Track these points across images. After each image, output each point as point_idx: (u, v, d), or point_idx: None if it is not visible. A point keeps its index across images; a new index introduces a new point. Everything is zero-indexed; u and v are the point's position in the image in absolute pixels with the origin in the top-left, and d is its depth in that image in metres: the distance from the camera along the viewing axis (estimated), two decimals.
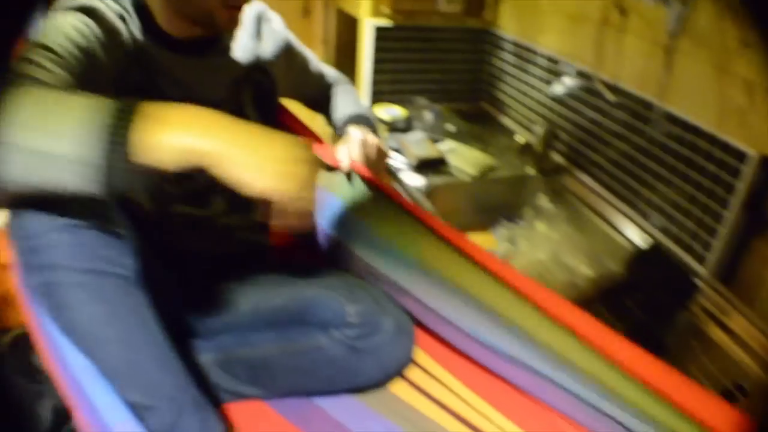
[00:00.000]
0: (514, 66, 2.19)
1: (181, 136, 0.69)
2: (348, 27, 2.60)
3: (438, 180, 1.82)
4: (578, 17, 1.76)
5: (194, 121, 0.71)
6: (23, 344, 1.77)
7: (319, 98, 1.46)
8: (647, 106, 1.55)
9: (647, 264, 1.52)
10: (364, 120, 1.35)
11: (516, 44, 2.16)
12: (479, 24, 2.30)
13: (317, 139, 1.35)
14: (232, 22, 1.05)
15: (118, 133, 0.67)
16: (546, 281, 1.54)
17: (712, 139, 1.37)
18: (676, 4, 1.31)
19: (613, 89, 1.63)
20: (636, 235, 1.58)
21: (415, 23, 2.23)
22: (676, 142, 1.47)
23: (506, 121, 2.28)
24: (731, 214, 1.34)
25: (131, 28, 1.00)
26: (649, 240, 1.54)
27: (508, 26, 2.21)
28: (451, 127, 2.17)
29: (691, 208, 1.44)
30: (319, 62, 1.43)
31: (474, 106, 2.45)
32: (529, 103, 2.13)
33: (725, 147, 1.34)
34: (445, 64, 2.36)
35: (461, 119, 2.28)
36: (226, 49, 1.16)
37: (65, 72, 0.81)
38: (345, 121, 1.34)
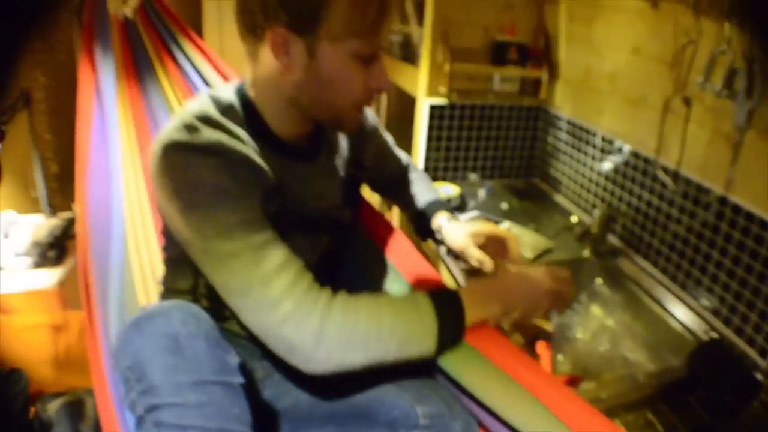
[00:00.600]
0: (568, 144, 2.17)
1: (486, 313, 0.95)
2: (400, 101, 2.63)
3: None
4: (639, 102, 1.74)
5: (491, 299, 0.96)
6: (72, 411, 1.77)
7: (394, 184, 1.44)
8: (707, 192, 1.49)
9: (709, 358, 1.43)
10: (446, 206, 1.35)
11: (571, 123, 2.14)
12: (534, 102, 2.30)
13: (392, 229, 1.33)
14: (358, 122, 1.04)
15: (456, 331, 0.92)
16: (604, 374, 1.47)
17: None
18: (743, 97, 1.27)
19: (674, 176, 1.58)
20: (696, 325, 1.50)
21: (470, 102, 2.24)
22: (741, 232, 1.40)
23: (559, 199, 2.24)
24: None
25: (246, 139, 0.94)
26: (710, 331, 1.46)
27: (564, 106, 2.20)
28: (504, 205, 2.15)
29: (755, 300, 1.37)
30: (395, 146, 1.41)
31: (527, 183, 2.42)
32: (583, 182, 2.09)
33: None
34: (498, 140, 2.35)
35: (514, 196, 2.25)
36: (330, 150, 1.12)
37: (262, 232, 0.85)
38: (430, 208, 1.35)
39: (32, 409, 1.72)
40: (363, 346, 0.84)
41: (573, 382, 1.43)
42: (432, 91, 2.19)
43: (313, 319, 0.82)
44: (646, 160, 1.71)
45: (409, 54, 2.48)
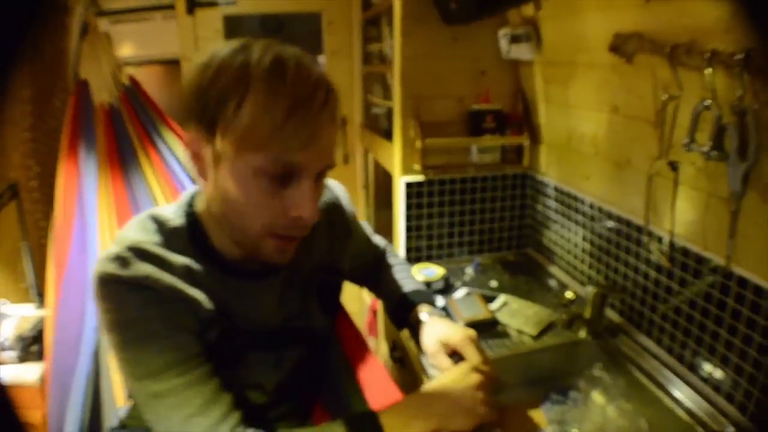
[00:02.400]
0: (557, 212, 1.95)
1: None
2: (386, 174, 2.47)
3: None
4: (624, 165, 1.53)
5: (413, 417, 0.92)
6: None
7: (370, 273, 1.36)
8: (707, 262, 1.26)
9: None
10: (425, 297, 1.28)
11: (558, 190, 1.93)
12: (519, 169, 2.09)
13: (366, 349, 1.22)
14: (282, 254, 0.88)
15: None
16: None
17: None
18: (736, 157, 1.06)
19: (670, 246, 1.35)
20: (706, 414, 1.24)
21: (449, 176, 2.04)
22: (750, 309, 1.16)
23: (554, 270, 2.00)
24: None
25: (181, 267, 0.87)
26: (723, 419, 1.21)
27: (549, 171, 1.99)
28: (494, 282, 1.92)
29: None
30: (371, 232, 1.33)
31: (520, 254, 2.19)
32: (576, 253, 1.85)
33: None
34: (484, 213, 2.13)
35: (505, 270, 2.02)
36: (293, 263, 0.95)
37: (188, 372, 0.83)
38: (408, 300, 1.26)
39: None
40: None
41: None
42: (407, 169, 2.00)
43: None
44: (639, 229, 1.48)
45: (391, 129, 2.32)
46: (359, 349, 1.20)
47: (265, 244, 0.84)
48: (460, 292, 1.81)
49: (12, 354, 1.96)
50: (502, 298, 1.77)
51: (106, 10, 2.73)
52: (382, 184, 2.68)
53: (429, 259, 2.10)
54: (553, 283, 1.94)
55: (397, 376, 1.86)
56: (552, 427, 1.42)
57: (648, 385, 1.39)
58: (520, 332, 1.63)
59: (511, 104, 2.02)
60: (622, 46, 1.34)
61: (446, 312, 1.69)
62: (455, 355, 1.14)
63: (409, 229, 2.06)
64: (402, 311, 1.27)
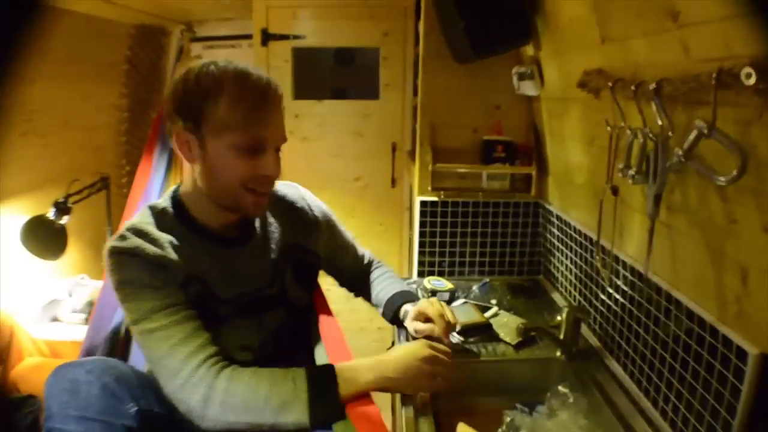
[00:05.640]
0: (558, 240, 1.99)
1: (360, 382, 1.07)
2: None
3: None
4: (599, 193, 1.57)
5: (364, 370, 1.09)
6: None
7: (357, 280, 1.59)
8: (641, 276, 1.29)
9: None
10: (410, 297, 1.51)
11: (558, 218, 1.97)
12: (529, 198, 2.15)
13: (330, 313, 1.41)
14: (258, 208, 1.15)
15: (329, 402, 1.03)
16: None
17: (714, 332, 1.09)
18: (651, 182, 1.11)
19: (631, 271, 1.39)
20: None
21: (461, 199, 2.14)
22: (686, 334, 1.18)
23: (556, 297, 2.03)
24: (738, 423, 1.02)
25: (173, 235, 1.12)
26: None
27: (554, 200, 2.04)
28: (493, 301, 1.98)
29: (706, 416, 1.11)
30: (357, 244, 1.57)
31: (530, 280, 2.23)
32: (570, 278, 1.89)
33: (726, 342, 1.05)
34: (496, 237, 2.21)
35: (509, 293, 2.07)
36: (265, 235, 1.26)
37: (176, 314, 1.05)
38: (395, 301, 1.49)
39: None
40: (242, 410, 0.99)
41: None
42: (422, 189, 2.13)
43: (202, 386, 0.99)
44: (606, 254, 1.52)
45: None
46: (329, 323, 1.36)
47: (244, 198, 1.10)
48: (458, 302, 1.92)
49: (81, 317, 2.27)
50: (494, 309, 1.83)
51: (200, 36, 3.07)
52: None
53: (440, 274, 2.19)
54: (550, 307, 1.97)
55: None
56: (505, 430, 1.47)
57: (607, 412, 1.39)
58: (501, 341, 1.69)
59: (522, 136, 2.10)
60: (588, 83, 1.41)
61: None
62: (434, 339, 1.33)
63: (422, 244, 2.17)
64: (392, 309, 1.50)
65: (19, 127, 2.20)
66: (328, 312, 1.40)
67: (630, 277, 1.42)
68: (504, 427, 1.44)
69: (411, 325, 1.43)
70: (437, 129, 2.08)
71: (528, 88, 1.88)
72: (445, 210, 2.15)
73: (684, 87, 0.99)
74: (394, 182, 3.09)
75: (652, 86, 1.06)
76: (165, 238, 1.10)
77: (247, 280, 1.21)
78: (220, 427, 0.99)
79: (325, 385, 1.05)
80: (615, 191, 1.30)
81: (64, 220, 2.14)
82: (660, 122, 1.08)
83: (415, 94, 2.87)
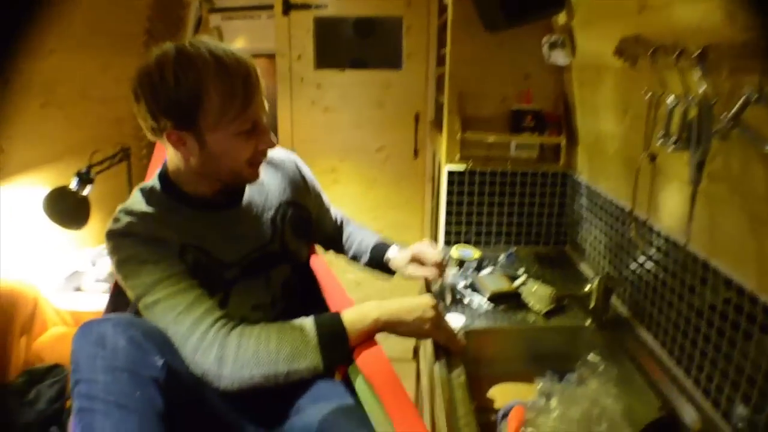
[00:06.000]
0: (588, 210, 1.99)
1: (366, 322, 1.11)
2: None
3: (481, 323, 1.65)
4: (632, 162, 1.56)
5: (369, 311, 1.12)
6: None
7: (334, 238, 1.65)
8: (676, 245, 1.29)
9: None
10: (390, 243, 1.60)
11: (587, 188, 1.97)
12: (557, 168, 2.15)
13: (324, 264, 1.43)
14: (256, 175, 1.20)
15: (338, 343, 1.08)
16: None
17: (753, 300, 1.09)
18: (694, 148, 1.10)
19: (665, 240, 1.39)
20: (687, 415, 1.24)
21: (489, 168, 2.14)
22: (723, 303, 1.18)
23: (584, 267, 2.04)
24: None
25: (163, 209, 1.16)
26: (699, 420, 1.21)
27: (583, 171, 2.03)
28: (521, 271, 1.99)
29: (741, 384, 1.12)
30: (331, 205, 1.60)
31: (557, 250, 2.23)
32: (600, 249, 1.89)
33: (766, 311, 1.06)
34: (523, 207, 2.21)
35: (536, 263, 2.08)
36: (260, 195, 1.29)
37: (177, 284, 1.08)
38: (377, 251, 1.59)
39: (68, 402, 1.87)
40: (255, 363, 1.02)
41: None
42: (450, 158, 2.12)
43: (214, 348, 1.02)
44: (640, 224, 1.52)
45: None
46: (328, 276, 1.39)
47: (247, 172, 1.16)
48: (486, 271, 1.93)
49: (105, 286, 2.29)
50: (522, 278, 1.84)
51: (218, 6, 3.05)
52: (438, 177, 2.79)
53: (467, 243, 2.20)
54: (577, 277, 1.98)
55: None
56: (537, 398, 1.49)
57: (638, 379, 1.41)
58: (531, 309, 1.71)
59: (552, 106, 2.09)
60: (625, 50, 1.39)
61: (474, 287, 1.81)
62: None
63: (449, 213, 2.18)
64: (381, 253, 1.59)
65: (38, 99, 2.21)
66: (325, 266, 1.43)
67: (664, 246, 1.42)
68: (537, 393, 1.46)
69: (407, 269, 1.54)
70: (465, 98, 2.07)
71: (559, 58, 1.86)
72: (472, 179, 2.15)
73: (731, 53, 0.98)
74: (416, 153, 3.09)
75: (697, 53, 1.05)
76: (156, 213, 1.14)
77: (248, 239, 1.23)
78: (238, 384, 1.02)
79: (332, 327, 1.09)
80: (653, 158, 1.29)
81: (87, 190, 2.13)
82: (703, 89, 1.07)
83: (439, 64, 2.85)
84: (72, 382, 0.92)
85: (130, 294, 1.10)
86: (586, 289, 1.68)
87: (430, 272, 1.53)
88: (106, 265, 2.38)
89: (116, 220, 1.12)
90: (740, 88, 0.95)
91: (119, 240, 1.10)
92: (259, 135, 1.13)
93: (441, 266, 1.53)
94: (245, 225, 1.24)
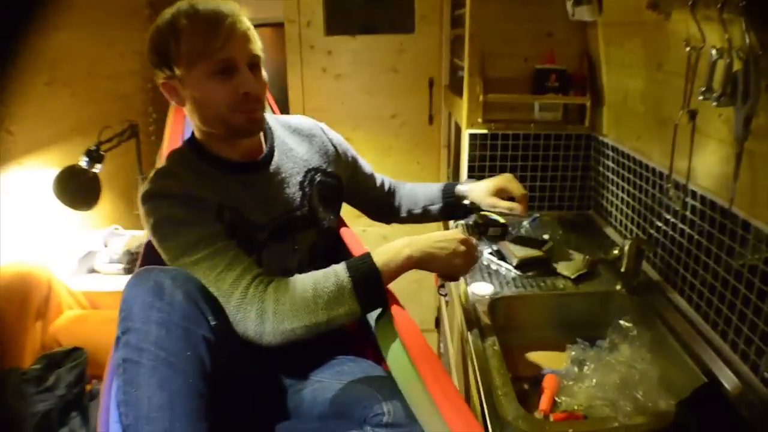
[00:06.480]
0: (614, 173, 1.94)
1: (398, 258, 1.09)
2: (458, 134, 2.52)
3: (510, 290, 1.62)
4: (667, 121, 1.51)
5: (400, 247, 1.10)
6: None
7: (384, 200, 1.61)
8: (714, 206, 1.26)
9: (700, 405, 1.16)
10: (456, 183, 1.57)
11: (615, 150, 1.91)
12: (582, 130, 2.09)
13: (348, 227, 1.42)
14: (254, 123, 1.16)
15: (373, 283, 1.06)
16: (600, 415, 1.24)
17: None
18: (740, 103, 1.05)
19: (700, 200, 1.35)
20: (723, 377, 1.21)
21: (511, 131, 2.08)
22: (765, 263, 1.15)
23: (609, 231, 2.00)
24: None
25: (197, 171, 1.16)
26: (738, 384, 1.18)
27: (610, 132, 1.98)
28: (546, 236, 1.95)
29: None
30: (371, 168, 1.57)
31: (581, 215, 2.19)
32: (628, 213, 1.85)
33: None
34: (546, 171, 2.16)
35: (560, 227, 2.04)
36: (288, 159, 1.29)
37: (214, 244, 1.07)
38: (446, 192, 1.56)
39: (89, 386, 1.88)
40: (295, 314, 1.01)
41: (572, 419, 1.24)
42: (472, 122, 2.07)
43: (254, 304, 1.01)
44: (677, 185, 1.47)
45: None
46: (358, 245, 1.35)
47: (235, 119, 1.12)
48: (511, 237, 1.88)
49: (119, 267, 2.28)
50: (549, 244, 1.81)
51: None
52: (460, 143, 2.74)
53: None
54: (605, 242, 1.94)
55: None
56: (568, 366, 1.46)
57: (673, 344, 1.38)
58: (560, 274, 1.68)
59: (576, 65, 2.02)
60: (659, 3, 1.33)
61: (501, 254, 1.77)
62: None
63: (471, 179, 2.13)
64: (450, 193, 1.56)
65: (43, 77, 2.16)
66: (355, 236, 1.40)
67: (700, 207, 1.38)
68: (568, 361, 1.44)
69: (489, 200, 1.46)
70: (486, 58, 2.01)
71: (584, 14, 1.79)
72: (494, 143, 2.10)
73: None
74: (431, 119, 3.03)
75: (743, 2, 0.99)
76: (190, 175, 1.14)
77: (277, 203, 1.23)
78: (280, 338, 1.02)
79: (365, 268, 1.07)
80: (693, 115, 1.24)
81: (97, 168, 2.08)
82: (748, 40, 1.01)
83: (454, 26, 2.78)
84: (120, 329, 0.90)
85: (166, 256, 1.08)
86: (616, 252, 1.64)
87: (516, 206, 1.46)
88: (119, 244, 2.36)
89: (152, 181, 1.11)
90: None
91: (156, 201, 1.09)
92: (238, 77, 1.10)
93: (526, 200, 1.47)
94: (274, 189, 1.24)
